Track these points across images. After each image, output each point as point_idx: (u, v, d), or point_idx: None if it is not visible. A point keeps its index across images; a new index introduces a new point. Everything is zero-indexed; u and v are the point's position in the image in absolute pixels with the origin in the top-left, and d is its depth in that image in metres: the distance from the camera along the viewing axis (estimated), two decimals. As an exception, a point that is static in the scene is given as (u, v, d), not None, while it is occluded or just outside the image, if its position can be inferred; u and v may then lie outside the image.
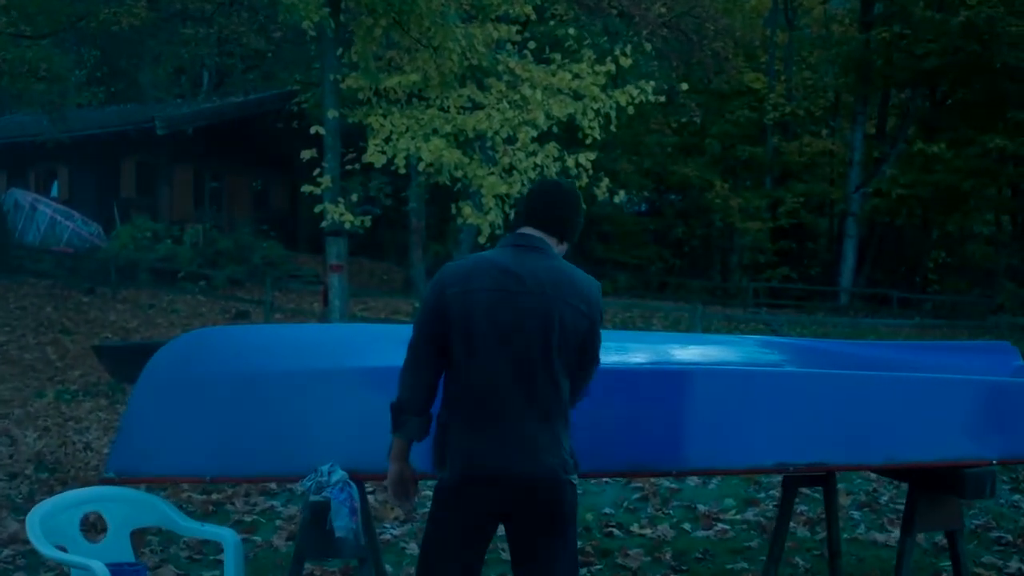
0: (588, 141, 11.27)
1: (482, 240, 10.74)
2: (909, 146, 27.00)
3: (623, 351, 4.09)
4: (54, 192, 23.96)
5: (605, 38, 15.74)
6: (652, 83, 11.46)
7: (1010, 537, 5.47)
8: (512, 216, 10.44)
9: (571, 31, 12.46)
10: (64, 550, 3.31)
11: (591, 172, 11.43)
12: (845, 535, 5.17)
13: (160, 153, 22.26)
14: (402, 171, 10.90)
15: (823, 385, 3.59)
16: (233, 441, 3.53)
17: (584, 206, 3.08)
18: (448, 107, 11.20)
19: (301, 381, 3.58)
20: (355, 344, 3.90)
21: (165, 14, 21.96)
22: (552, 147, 11.04)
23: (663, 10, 20.45)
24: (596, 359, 2.95)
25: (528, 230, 2.91)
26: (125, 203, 22.89)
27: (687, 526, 5.64)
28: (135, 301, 17.73)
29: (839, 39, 28.73)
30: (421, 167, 10.92)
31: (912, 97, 27.94)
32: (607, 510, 5.90)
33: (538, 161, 10.96)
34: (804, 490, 4.87)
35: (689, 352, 4.08)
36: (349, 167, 11.62)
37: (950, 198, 26.55)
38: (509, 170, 11.00)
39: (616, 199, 12.40)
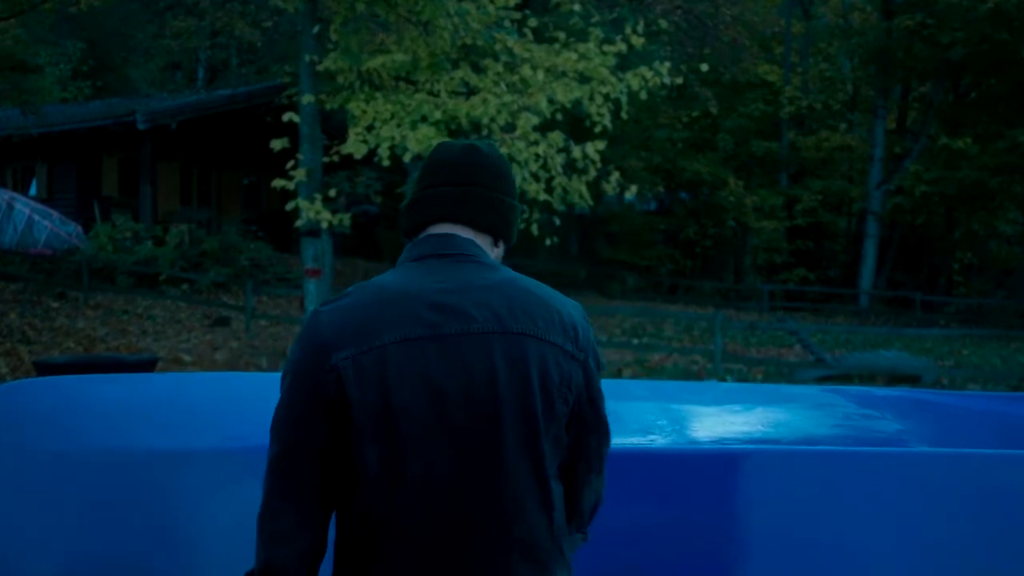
0: (597, 130, 10.05)
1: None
2: (932, 141, 25.72)
3: (643, 421, 2.62)
4: (32, 190, 22.83)
5: (615, 14, 14.47)
6: (668, 63, 10.22)
7: None
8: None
9: (576, 7, 11.20)
10: None
11: (599, 165, 10.19)
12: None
13: (143, 149, 21.05)
14: (386, 163, 9.67)
15: (988, 472, 2.26)
16: (63, 553, 2.28)
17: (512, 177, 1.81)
18: (439, 91, 10.00)
19: (169, 465, 2.32)
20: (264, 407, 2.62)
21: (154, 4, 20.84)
22: (556, 136, 9.78)
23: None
24: (605, 435, 1.69)
25: (444, 228, 1.69)
26: (106, 202, 21.78)
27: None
28: (109, 307, 16.55)
29: (858, 28, 27.47)
30: (408, 158, 9.67)
31: (935, 90, 26.62)
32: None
33: (540, 151, 9.73)
34: None
35: (750, 419, 2.68)
36: (328, 159, 10.40)
37: (976, 195, 25.28)
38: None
39: (627, 195, 11.22)
